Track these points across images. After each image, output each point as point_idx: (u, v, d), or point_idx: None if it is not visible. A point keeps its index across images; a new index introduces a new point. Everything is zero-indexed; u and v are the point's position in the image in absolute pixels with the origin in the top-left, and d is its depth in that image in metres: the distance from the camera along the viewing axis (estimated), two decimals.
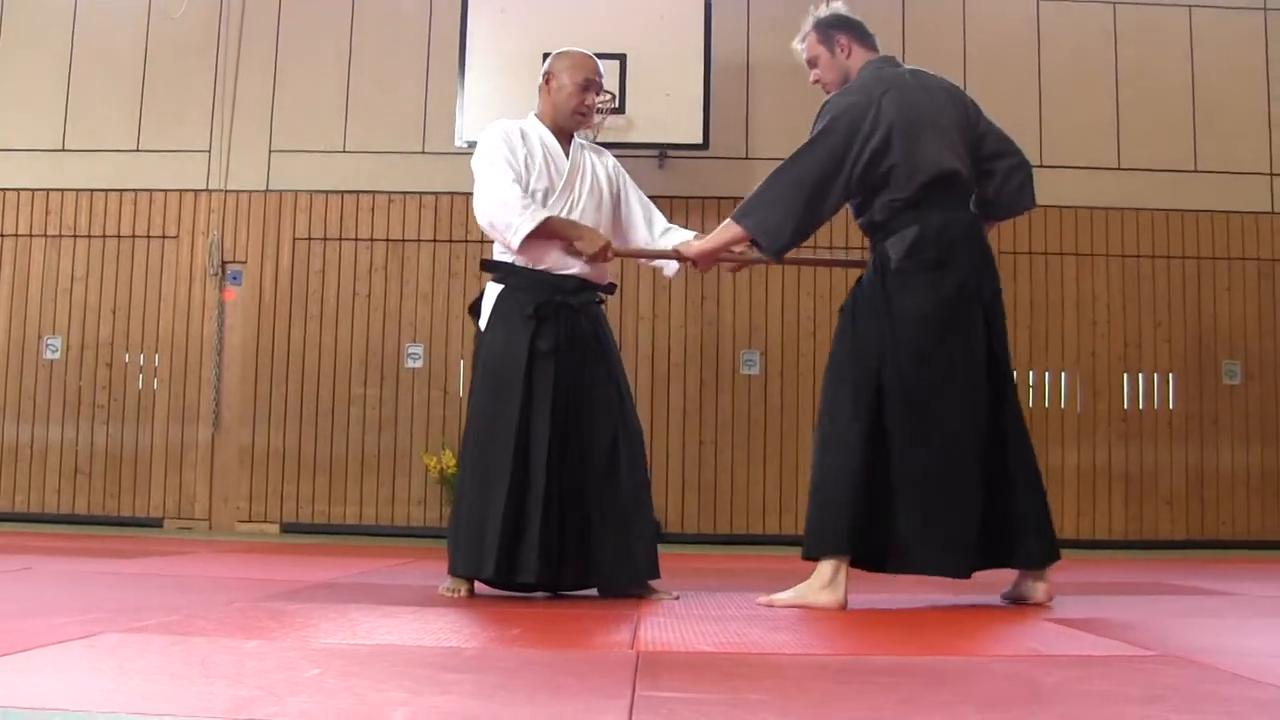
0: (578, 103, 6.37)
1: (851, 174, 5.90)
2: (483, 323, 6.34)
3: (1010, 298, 13.06)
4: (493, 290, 6.34)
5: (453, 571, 6.14)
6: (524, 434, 6.04)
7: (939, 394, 5.80)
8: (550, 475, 6.01)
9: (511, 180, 6.15)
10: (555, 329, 6.17)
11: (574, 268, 6.24)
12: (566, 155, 6.38)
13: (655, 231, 6.56)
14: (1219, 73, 14.14)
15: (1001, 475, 5.82)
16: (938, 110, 6.05)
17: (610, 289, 6.62)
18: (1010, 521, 5.81)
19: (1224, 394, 13.78)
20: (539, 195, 6.21)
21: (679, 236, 6.50)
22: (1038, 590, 5.87)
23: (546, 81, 6.46)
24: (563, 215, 6.25)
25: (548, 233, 6.13)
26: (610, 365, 6.33)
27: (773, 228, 5.91)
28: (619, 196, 6.59)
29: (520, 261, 6.23)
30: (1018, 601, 5.95)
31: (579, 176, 6.37)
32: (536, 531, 5.93)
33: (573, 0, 13.34)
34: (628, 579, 6.11)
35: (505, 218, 6.10)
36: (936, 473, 5.72)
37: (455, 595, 6.01)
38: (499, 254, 6.34)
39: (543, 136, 6.39)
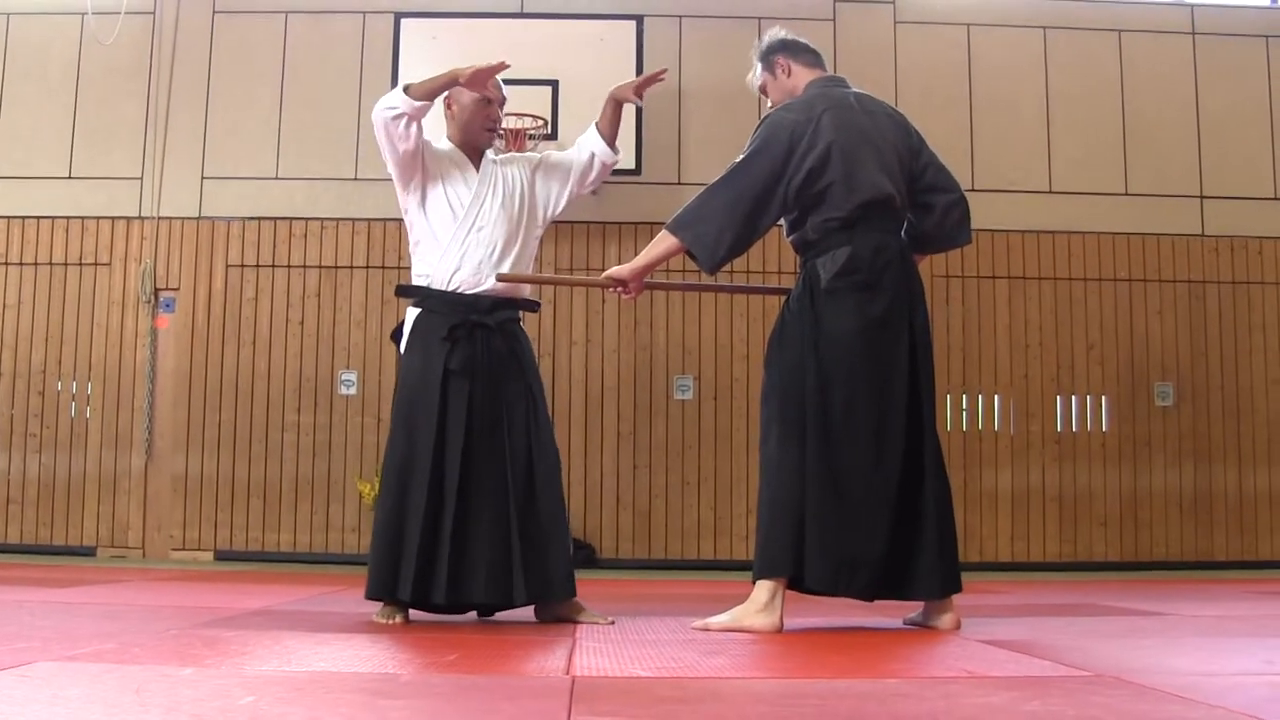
0: (483, 118, 6.44)
1: (788, 190, 5.89)
2: (403, 346, 6.41)
3: (942, 321, 13.26)
4: (410, 315, 6.40)
5: (369, 594, 6.12)
6: (439, 456, 6.06)
7: (857, 415, 5.79)
8: (465, 496, 6.04)
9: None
10: (470, 349, 6.19)
11: (486, 284, 6.26)
12: (477, 170, 6.43)
13: (584, 153, 6.62)
14: (1149, 96, 14.26)
15: (913, 503, 5.81)
16: (879, 134, 6.04)
17: (532, 306, 6.63)
18: (915, 550, 5.80)
19: (1156, 416, 13.87)
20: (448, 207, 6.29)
21: (593, 133, 6.62)
22: (944, 620, 5.85)
23: (449, 106, 6.52)
24: (473, 226, 6.30)
25: (426, 95, 6.22)
26: (527, 384, 6.33)
27: (710, 242, 5.89)
28: (538, 185, 6.60)
29: (436, 285, 6.27)
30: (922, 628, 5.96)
31: (489, 190, 6.38)
32: (448, 552, 5.94)
33: (505, 27, 13.41)
34: (544, 596, 6.12)
35: (382, 111, 6.23)
36: (846, 493, 5.72)
37: (390, 622, 5.99)
38: (414, 278, 6.40)
39: (452, 155, 6.46)
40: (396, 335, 6.48)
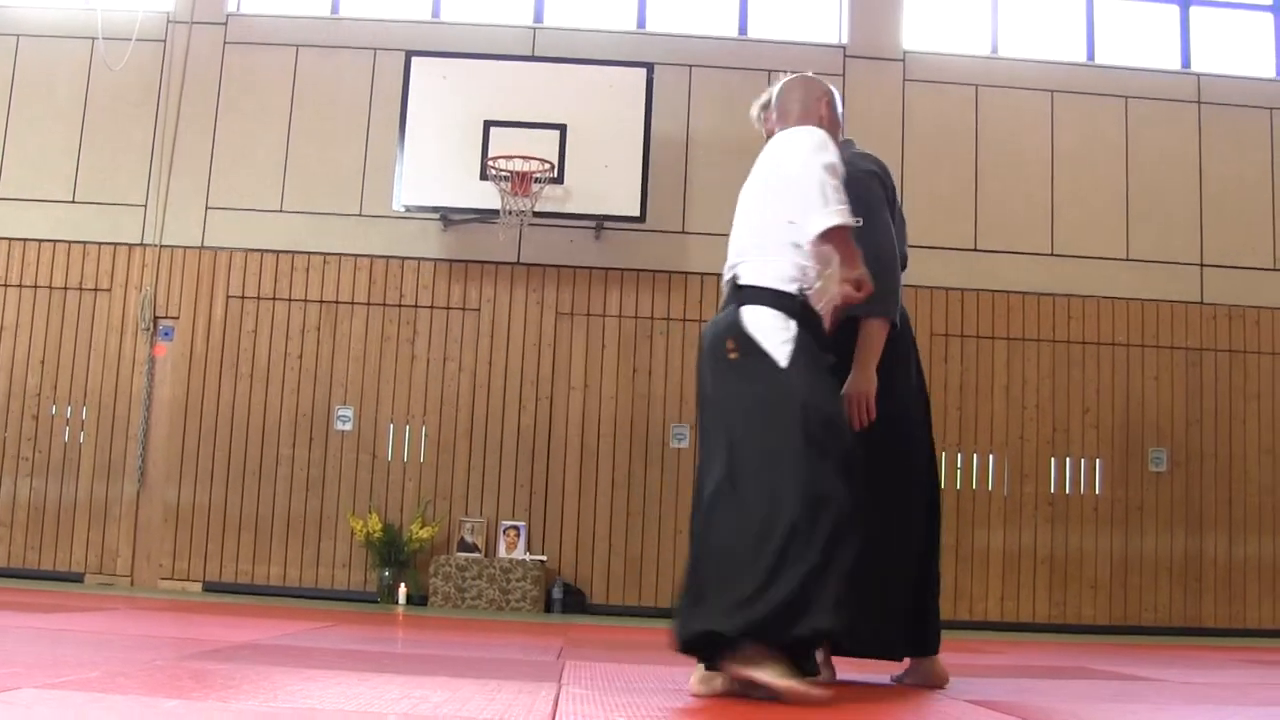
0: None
1: None
2: (780, 358, 5.18)
3: (940, 380, 13.23)
4: (785, 326, 5.23)
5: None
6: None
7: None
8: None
9: None
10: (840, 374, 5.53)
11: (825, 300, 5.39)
12: None
13: None
14: (1153, 163, 14.30)
15: (901, 566, 5.79)
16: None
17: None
18: (892, 608, 5.74)
19: (1150, 481, 13.87)
20: None
21: None
22: (932, 678, 5.84)
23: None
24: None
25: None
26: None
27: (896, 304, 5.78)
28: None
29: (807, 297, 5.28)
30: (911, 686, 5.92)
31: None
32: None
33: (514, 70, 13.41)
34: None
35: None
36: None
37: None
38: (783, 283, 5.28)
39: None
40: (739, 337, 5.30)
